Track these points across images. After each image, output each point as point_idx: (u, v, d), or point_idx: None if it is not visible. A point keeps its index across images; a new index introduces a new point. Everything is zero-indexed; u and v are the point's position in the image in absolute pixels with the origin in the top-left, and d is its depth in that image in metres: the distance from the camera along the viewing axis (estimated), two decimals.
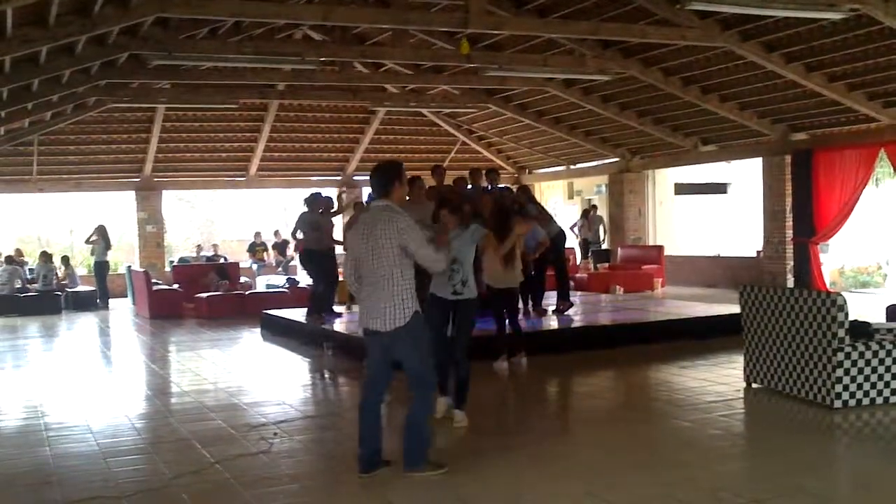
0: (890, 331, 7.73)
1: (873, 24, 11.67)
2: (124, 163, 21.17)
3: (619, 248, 21.07)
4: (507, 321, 9.74)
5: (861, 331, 7.54)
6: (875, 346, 7.32)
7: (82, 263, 24.81)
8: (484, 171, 13.68)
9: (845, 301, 7.26)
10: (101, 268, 19.46)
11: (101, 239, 19.38)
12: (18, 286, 18.57)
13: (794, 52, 13.40)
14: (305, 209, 13.09)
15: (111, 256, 20.47)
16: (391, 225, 5.56)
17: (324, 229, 13.02)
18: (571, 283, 13.24)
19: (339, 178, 23.25)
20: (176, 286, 17.87)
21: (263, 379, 10.02)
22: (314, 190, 14.44)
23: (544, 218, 12.55)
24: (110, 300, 19.40)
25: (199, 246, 24.72)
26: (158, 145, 20.58)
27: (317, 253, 12.89)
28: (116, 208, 24.98)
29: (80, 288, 19.57)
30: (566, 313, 12.51)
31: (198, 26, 13.74)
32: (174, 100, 17.38)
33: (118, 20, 10.74)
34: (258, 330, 13.90)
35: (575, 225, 21.49)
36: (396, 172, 5.82)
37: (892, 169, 15.09)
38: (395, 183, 5.77)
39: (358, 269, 5.74)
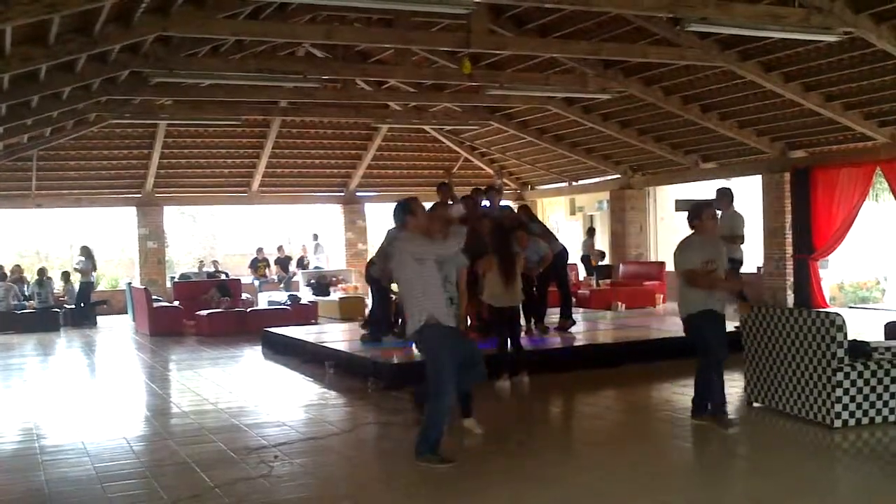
0: (888, 349, 7.75)
1: (867, 46, 11.82)
2: (125, 178, 21.20)
3: (620, 265, 21.10)
4: (508, 340, 9.76)
5: (860, 350, 7.55)
6: (874, 366, 7.35)
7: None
8: (485, 188, 13.74)
9: (844, 321, 7.29)
10: (86, 287, 19.39)
11: (87, 260, 19.30)
12: (15, 303, 18.57)
13: (792, 71, 13.52)
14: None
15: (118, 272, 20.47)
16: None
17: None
18: (573, 300, 13.28)
19: (341, 194, 23.31)
20: (176, 303, 17.88)
21: (264, 399, 10.01)
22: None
23: (547, 235, 12.60)
24: (99, 318, 19.34)
25: (201, 262, 24.75)
26: (160, 161, 20.63)
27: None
28: (117, 224, 25.01)
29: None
30: (568, 331, 12.52)
31: (200, 44, 13.79)
32: (176, 116, 17.42)
33: (120, 38, 10.78)
34: (259, 348, 13.90)
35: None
36: (407, 208, 6.71)
37: (888, 186, 15.14)
38: (406, 217, 6.68)
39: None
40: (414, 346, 6.65)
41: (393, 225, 12.31)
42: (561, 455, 7.11)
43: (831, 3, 10.60)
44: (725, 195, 12.05)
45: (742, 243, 11.89)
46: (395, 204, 6.87)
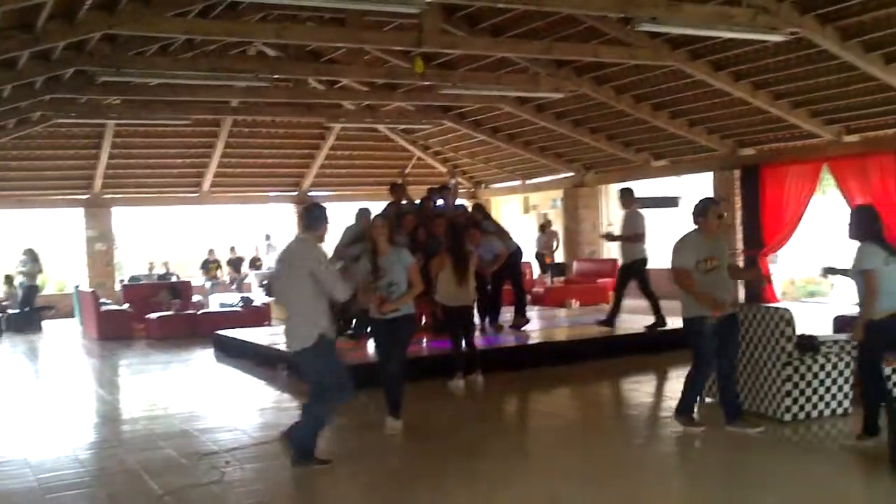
0: (836, 343, 7.86)
1: (813, 46, 12.04)
2: (72, 179, 20.74)
3: (574, 262, 21.21)
4: (462, 339, 9.75)
5: (809, 344, 7.67)
6: (822, 360, 7.48)
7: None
8: (439, 188, 13.74)
9: (792, 316, 7.39)
10: (30, 291, 18.94)
11: (32, 263, 18.86)
12: None
13: (741, 70, 13.70)
14: None
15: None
16: (308, 255, 6.38)
17: None
18: (528, 298, 13.34)
19: (294, 193, 23.12)
20: (126, 306, 17.58)
21: (216, 403, 9.86)
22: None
23: (501, 233, 12.62)
24: (44, 323, 18.90)
25: (151, 263, 24.38)
26: (108, 161, 20.25)
27: None
28: (64, 226, 24.50)
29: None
30: (523, 329, 12.55)
31: (148, 42, 13.58)
32: (124, 115, 17.09)
33: (63, 36, 10.56)
34: (211, 351, 13.71)
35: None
36: (323, 215, 6.59)
37: (835, 183, 15.43)
38: (322, 222, 6.55)
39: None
40: (298, 353, 6.48)
41: (353, 222, 12.44)
42: (516, 455, 7.11)
43: (778, 4, 10.78)
44: (627, 194, 12.31)
45: (643, 242, 12.11)
46: (311, 206, 6.77)
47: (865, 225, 6.73)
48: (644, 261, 12.39)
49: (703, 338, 6.95)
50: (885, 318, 6.44)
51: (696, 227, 7.16)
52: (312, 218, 6.55)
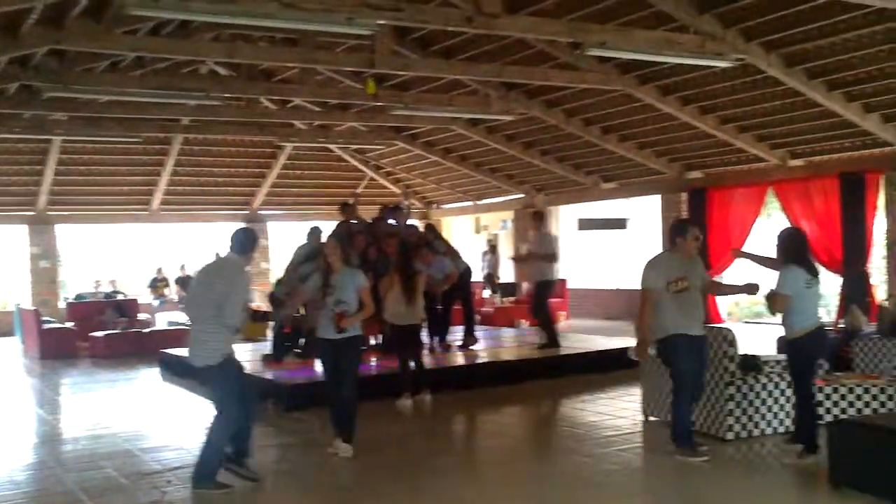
0: (778, 363, 8.00)
1: (759, 72, 12.28)
2: (15, 195, 20.34)
3: (523, 282, 21.29)
4: (410, 358, 9.75)
5: (751, 364, 7.80)
6: (764, 379, 7.59)
7: None
8: (392, 207, 13.76)
9: (735, 336, 7.51)
10: None
11: None
12: None
13: (689, 95, 13.95)
14: None
15: None
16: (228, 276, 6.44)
17: None
18: (477, 318, 13.42)
19: (245, 212, 22.96)
20: (70, 324, 17.27)
21: (161, 422, 9.70)
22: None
23: (452, 253, 12.67)
24: None
25: (97, 282, 23.99)
26: (54, 178, 19.93)
27: None
28: (6, 243, 23.99)
29: None
30: (471, 348, 12.58)
31: (97, 59, 13.42)
32: (71, 132, 16.84)
33: (7, 49, 10.41)
34: (157, 369, 13.50)
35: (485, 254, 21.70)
36: (252, 239, 6.71)
37: (780, 206, 15.74)
38: (248, 247, 6.64)
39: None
40: (202, 370, 6.50)
41: (304, 241, 12.42)
42: (464, 474, 7.10)
43: (724, 31, 11.02)
44: (538, 217, 12.53)
45: (557, 262, 12.31)
46: (241, 229, 6.80)
47: (791, 247, 6.92)
48: (554, 282, 12.68)
49: (679, 357, 6.88)
50: (804, 335, 6.70)
51: (672, 246, 7.13)
52: (240, 241, 6.60)
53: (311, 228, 12.55)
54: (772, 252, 7.16)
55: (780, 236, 7.09)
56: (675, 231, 7.15)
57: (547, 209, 21.35)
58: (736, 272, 17.89)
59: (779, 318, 6.93)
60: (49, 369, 14.36)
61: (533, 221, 12.97)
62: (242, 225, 6.96)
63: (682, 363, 6.88)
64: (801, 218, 14.81)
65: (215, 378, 6.48)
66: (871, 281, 14.24)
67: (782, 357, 8.31)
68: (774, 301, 6.72)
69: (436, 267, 11.71)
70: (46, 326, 16.43)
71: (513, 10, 10.66)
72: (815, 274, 6.83)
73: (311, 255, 11.85)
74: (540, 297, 12.49)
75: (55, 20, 10.08)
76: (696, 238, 7.04)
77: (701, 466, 6.71)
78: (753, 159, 15.70)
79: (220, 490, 6.37)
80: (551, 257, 12.36)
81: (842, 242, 14.13)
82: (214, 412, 6.51)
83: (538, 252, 12.44)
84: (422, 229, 13.70)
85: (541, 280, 12.40)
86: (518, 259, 14.05)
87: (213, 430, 6.45)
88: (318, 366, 11.05)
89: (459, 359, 12.05)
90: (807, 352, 6.78)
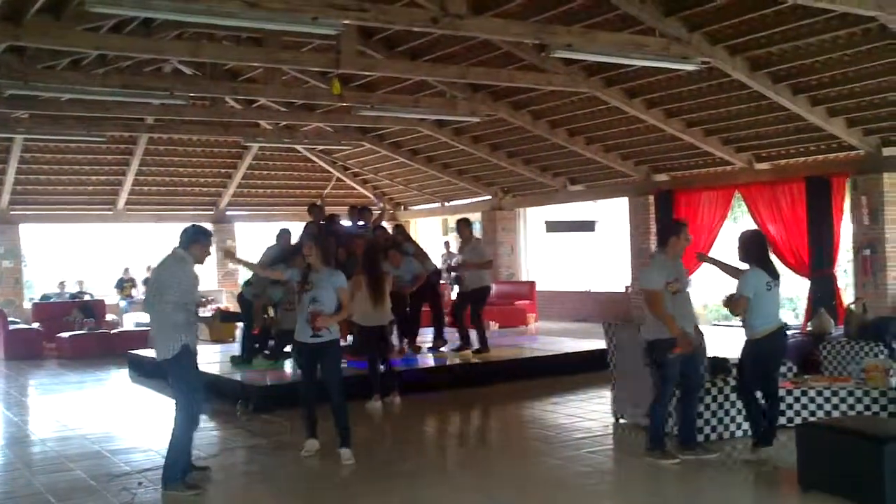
0: None
1: (724, 75, 12.37)
2: None
3: (492, 284, 21.33)
4: (378, 360, 9.75)
5: (719, 367, 7.90)
6: (733, 381, 7.65)
7: None
8: (360, 208, 13.76)
9: (703, 338, 7.58)
10: None
11: None
12: None
13: (654, 98, 14.02)
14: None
15: None
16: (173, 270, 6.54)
17: None
18: (447, 320, 13.42)
19: (211, 212, 22.80)
20: (36, 325, 17.08)
21: (130, 424, 9.62)
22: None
23: (421, 255, 12.68)
24: None
25: (62, 282, 23.71)
26: (17, 177, 19.68)
27: None
28: None
29: None
30: (441, 350, 12.59)
31: (58, 56, 13.23)
32: (33, 130, 16.59)
33: None
34: (126, 370, 13.39)
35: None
36: (200, 236, 6.71)
37: (747, 209, 15.87)
38: (194, 244, 6.64)
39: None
40: (162, 363, 6.59)
41: (273, 243, 12.39)
42: (436, 476, 7.12)
43: (689, 35, 11.12)
44: (466, 224, 12.55)
45: (490, 269, 12.35)
46: (190, 226, 6.82)
47: (752, 249, 7.04)
48: (489, 288, 12.77)
49: (668, 360, 6.90)
50: (764, 336, 6.84)
51: (665, 247, 7.11)
52: (184, 236, 6.66)
53: (281, 230, 12.53)
54: (735, 255, 7.23)
55: (740, 238, 7.21)
56: (668, 230, 7.17)
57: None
58: (699, 277, 18.13)
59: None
60: (15, 370, 14.21)
61: (463, 230, 12.75)
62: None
63: (673, 366, 6.92)
64: (768, 221, 14.92)
65: (171, 372, 6.57)
66: (839, 284, 14.35)
67: None
68: (735, 304, 6.83)
69: (404, 269, 11.74)
70: (12, 327, 16.27)
71: (478, 11, 10.69)
72: (775, 276, 6.96)
73: (279, 256, 11.84)
74: (477, 303, 12.45)
75: (14, 17, 9.89)
76: (686, 239, 7.10)
77: (672, 469, 6.78)
78: (720, 162, 15.82)
79: (191, 491, 6.36)
80: (487, 264, 12.32)
81: (808, 246, 14.24)
82: (175, 410, 6.56)
83: (472, 261, 12.39)
84: (391, 231, 13.70)
85: (479, 287, 12.40)
86: (453, 269, 14.00)
87: (174, 429, 6.50)
88: (289, 367, 11.11)
89: (429, 360, 12.06)
90: (768, 352, 6.91)
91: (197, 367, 6.83)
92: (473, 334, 12.41)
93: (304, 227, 12.66)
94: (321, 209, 12.98)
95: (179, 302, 6.45)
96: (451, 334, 12.84)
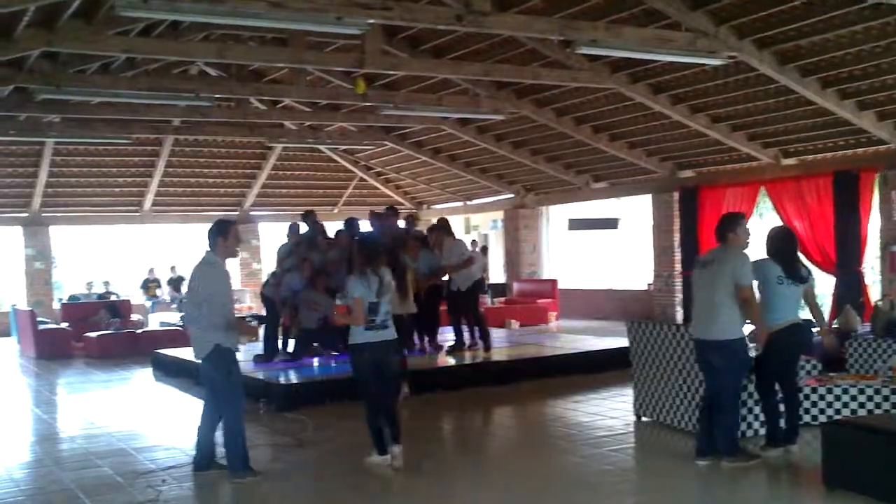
0: None
1: (751, 70, 12.26)
2: (10, 197, 20.43)
3: (514, 283, 21.38)
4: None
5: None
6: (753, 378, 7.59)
7: None
8: (403, 215, 13.80)
9: None
10: None
11: None
12: None
13: (680, 94, 13.95)
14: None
15: None
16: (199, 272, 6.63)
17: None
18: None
19: (236, 213, 22.96)
20: (65, 325, 17.30)
21: (154, 422, 9.71)
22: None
23: (468, 262, 12.37)
24: None
25: (89, 283, 23.98)
26: (48, 180, 19.99)
27: None
28: (1, 244, 23.99)
29: None
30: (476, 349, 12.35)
31: (89, 60, 13.44)
32: (64, 134, 16.88)
33: (1, 53, 10.43)
34: (150, 370, 13.52)
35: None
36: (220, 230, 6.67)
37: (772, 205, 15.73)
38: (218, 239, 6.64)
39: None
40: (205, 362, 6.66)
41: (285, 241, 12.48)
42: (456, 474, 7.12)
43: (716, 29, 11.02)
44: (444, 226, 12.43)
45: (474, 265, 12.24)
46: (214, 223, 6.83)
47: (773, 243, 6.99)
48: (481, 281, 12.71)
49: (747, 360, 6.75)
50: (774, 332, 6.72)
51: (728, 243, 6.74)
52: (211, 237, 6.68)
53: (290, 225, 12.74)
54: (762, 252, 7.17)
55: (770, 233, 7.17)
56: (726, 227, 6.79)
57: (538, 208, 21.45)
58: None
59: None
60: (45, 369, 14.39)
61: (441, 232, 12.38)
62: None
63: (745, 364, 6.79)
64: (794, 217, 14.76)
65: (207, 369, 6.67)
66: (866, 281, 14.13)
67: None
68: (740, 292, 6.63)
69: (422, 261, 11.66)
70: (42, 327, 16.50)
71: (503, 7, 10.70)
72: (792, 274, 6.83)
73: (292, 250, 12.14)
74: (473, 300, 12.37)
75: (47, 23, 10.10)
76: (746, 232, 6.81)
77: (701, 469, 6.69)
78: (746, 158, 15.72)
79: (258, 476, 6.65)
80: (468, 262, 12.14)
81: (835, 242, 14.08)
82: (209, 409, 6.73)
83: (454, 263, 12.19)
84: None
85: (472, 284, 12.27)
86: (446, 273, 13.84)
87: (224, 421, 6.72)
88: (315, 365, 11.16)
89: (450, 359, 12.04)
90: (780, 348, 6.77)
91: (237, 365, 6.85)
92: (470, 335, 12.38)
93: (307, 232, 12.71)
94: (314, 215, 13.13)
95: (216, 304, 6.54)
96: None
